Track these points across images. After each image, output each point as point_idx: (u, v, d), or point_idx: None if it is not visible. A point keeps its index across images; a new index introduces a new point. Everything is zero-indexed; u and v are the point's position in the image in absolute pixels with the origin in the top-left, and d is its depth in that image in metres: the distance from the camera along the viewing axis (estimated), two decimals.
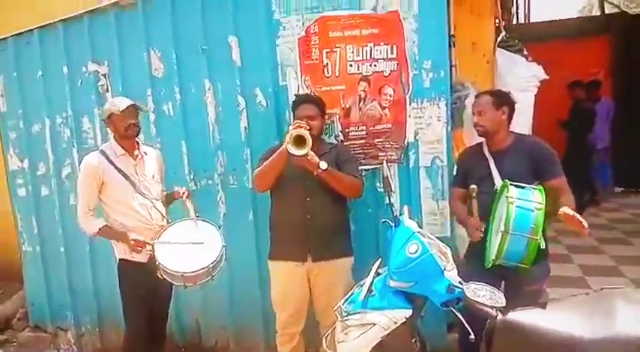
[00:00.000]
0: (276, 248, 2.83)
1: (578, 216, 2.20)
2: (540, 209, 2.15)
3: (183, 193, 2.90)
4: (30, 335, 4.12)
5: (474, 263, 2.55)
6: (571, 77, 6.54)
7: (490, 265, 2.29)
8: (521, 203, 2.17)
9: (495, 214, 2.42)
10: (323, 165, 2.52)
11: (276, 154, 2.59)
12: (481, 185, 2.58)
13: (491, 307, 1.90)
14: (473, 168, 2.66)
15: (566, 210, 2.24)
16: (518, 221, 2.12)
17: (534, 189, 2.28)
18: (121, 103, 2.77)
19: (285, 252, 2.77)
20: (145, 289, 2.80)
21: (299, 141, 2.42)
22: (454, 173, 2.78)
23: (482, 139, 2.71)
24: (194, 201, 2.96)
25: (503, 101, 2.60)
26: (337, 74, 3.01)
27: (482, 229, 2.47)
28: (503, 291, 2.52)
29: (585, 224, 2.18)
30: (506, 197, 2.20)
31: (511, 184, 2.28)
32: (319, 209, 2.68)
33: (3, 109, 3.96)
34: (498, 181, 2.51)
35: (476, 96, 2.77)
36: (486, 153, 2.63)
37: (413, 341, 2.22)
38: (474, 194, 2.48)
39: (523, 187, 2.28)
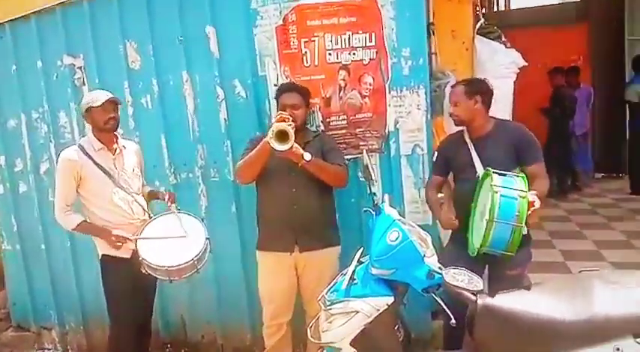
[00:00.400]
0: (263, 239, 2.83)
1: (536, 199, 2.20)
2: (524, 196, 2.16)
3: (168, 199, 2.86)
4: (13, 335, 4.07)
5: (457, 249, 2.56)
6: (551, 64, 6.60)
7: (475, 253, 2.30)
8: (505, 191, 2.17)
9: (478, 201, 2.43)
10: (307, 156, 2.51)
11: (259, 147, 2.58)
12: (463, 172, 2.59)
13: (470, 291, 1.91)
14: (454, 156, 2.67)
15: (531, 195, 2.23)
16: (503, 209, 2.13)
17: (517, 176, 2.29)
18: (100, 97, 2.73)
19: (272, 242, 2.77)
20: (129, 284, 2.76)
21: (282, 135, 2.41)
22: (434, 160, 2.78)
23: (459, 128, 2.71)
24: (176, 194, 2.94)
25: (476, 90, 2.59)
26: (316, 63, 2.99)
27: (455, 219, 2.50)
28: (488, 277, 2.57)
29: (536, 205, 2.19)
30: (491, 185, 2.20)
31: (494, 172, 2.29)
32: (305, 199, 2.68)
33: None
34: (480, 168, 2.52)
35: (452, 87, 2.77)
36: (467, 140, 2.64)
37: (396, 328, 2.24)
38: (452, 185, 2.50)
39: (505, 175, 2.29)
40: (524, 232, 2.18)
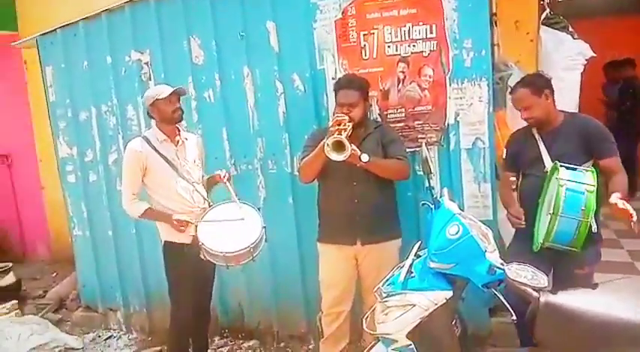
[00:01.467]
0: (324, 232, 2.86)
1: (629, 207, 2.10)
2: (592, 191, 2.09)
3: (224, 176, 2.95)
4: (82, 315, 4.29)
5: (522, 247, 2.50)
6: (621, 55, 6.24)
7: (538, 248, 2.24)
8: (572, 185, 2.11)
9: (545, 197, 2.37)
10: (364, 157, 2.52)
11: (317, 151, 2.60)
12: (531, 168, 2.52)
13: (533, 287, 1.86)
14: (522, 152, 2.59)
15: (617, 200, 2.14)
16: (568, 203, 2.08)
17: (586, 170, 2.22)
18: (165, 90, 2.84)
19: (333, 235, 2.80)
20: (190, 269, 2.87)
21: (338, 146, 2.44)
22: (504, 156, 2.70)
23: (522, 121, 2.63)
24: (234, 185, 3.01)
25: (541, 85, 2.51)
26: (375, 56, 2.99)
27: (523, 217, 2.42)
28: (553, 276, 2.49)
29: (635, 216, 2.09)
30: (557, 179, 2.14)
31: (561, 166, 2.22)
32: (366, 193, 2.69)
33: (52, 99, 4.10)
34: (548, 163, 2.44)
35: (510, 93, 2.67)
36: (535, 134, 2.55)
37: (453, 323, 2.21)
38: (514, 186, 2.43)
39: (574, 169, 2.22)
40: (595, 230, 2.10)
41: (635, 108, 5.88)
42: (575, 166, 2.24)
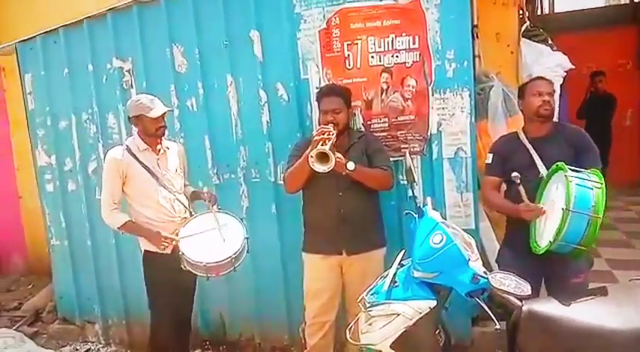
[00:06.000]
0: (310, 242, 2.85)
1: None
2: (600, 188, 2.09)
3: (209, 200, 2.92)
4: (59, 328, 4.20)
5: (510, 256, 2.52)
6: (597, 68, 6.43)
7: (543, 250, 2.22)
8: (580, 181, 2.11)
9: (543, 199, 2.38)
10: (350, 165, 2.53)
11: (302, 162, 2.60)
12: (523, 173, 2.51)
13: (517, 296, 1.87)
14: (511, 157, 2.60)
15: None
16: (579, 198, 2.07)
17: (589, 172, 2.22)
18: (155, 110, 2.78)
19: (319, 245, 2.79)
20: (170, 279, 2.83)
21: (322, 157, 2.44)
22: (488, 161, 2.69)
23: (504, 130, 2.66)
24: (217, 194, 3.00)
25: (553, 87, 2.59)
26: (359, 66, 3.00)
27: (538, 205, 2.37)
28: (547, 286, 2.50)
29: None
30: (565, 176, 2.14)
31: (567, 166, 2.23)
32: (351, 202, 2.69)
33: (31, 107, 4.04)
34: (542, 168, 2.46)
35: (533, 79, 2.68)
36: (525, 140, 2.57)
37: (437, 332, 2.20)
38: (519, 180, 2.40)
39: (577, 170, 2.23)
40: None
41: (605, 116, 6.07)
42: (577, 169, 2.25)
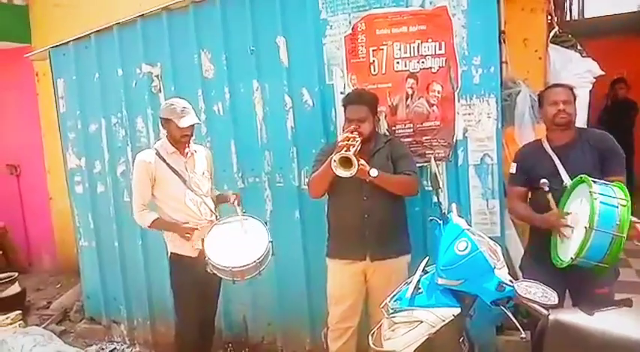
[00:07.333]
0: (334, 247, 2.85)
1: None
2: (625, 205, 2.05)
3: (234, 201, 2.95)
4: (86, 327, 4.28)
5: (535, 265, 2.48)
6: (629, 75, 6.31)
7: (565, 264, 2.19)
8: (605, 199, 2.07)
9: (566, 210, 2.33)
10: (373, 172, 2.52)
11: (325, 166, 2.59)
12: (548, 182, 2.49)
13: (543, 305, 1.84)
14: (535, 166, 2.56)
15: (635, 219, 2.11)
16: (603, 217, 2.03)
17: (613, 185, 2.17)
18: (185, 119, 2.82)
19: (343, 251, 2.78)
20: (195, 282, 2.87)
21: (345, 162, 2.44)
22: (512, 171, 2.66)
23: (531, 137, 2.63)
24: (243, 197, 3.03)
25: (574, 93, 2.55)
26: (384, 72, 3.00)
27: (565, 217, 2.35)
28: (572, 297, 2.45)
29: None
30: (590, 192, 2.10)
31: (592, 179, 2.19)
32: (376, 208, 2.68)
33: (63, 110, 4.14)
34: (566, 178, 2.42)
35: (551, 86, 2.66)
36: (548, 149, 2.54)
37: (461, 340, 2.18)
38: (547, 188, 2.37)
39: (601, 182, 2.19)
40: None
41: (627, 122, 5.95)
42: (602, 180, 2.21)
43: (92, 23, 3.95)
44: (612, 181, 2.28)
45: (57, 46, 4.07)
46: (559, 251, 2.29)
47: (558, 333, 1.83)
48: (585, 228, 2.04)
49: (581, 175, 2.26)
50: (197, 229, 2.80)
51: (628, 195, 2.10)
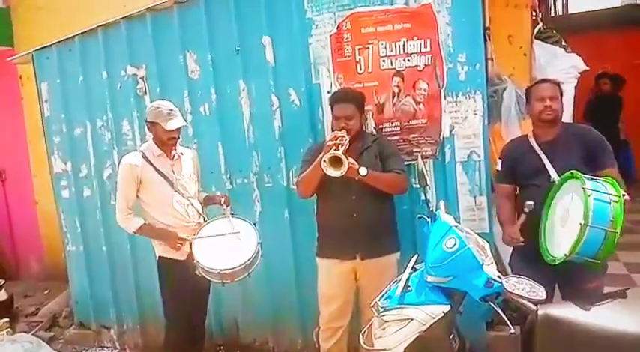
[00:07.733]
0: (323, 246, 2.85)
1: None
2: (617, 201, 2.07)
3: (222, 201, 2.94)
4: (75, 332, 4.23)
5: (524, 262, 2.50)
6: (613, 70, 6.37)
7: (558, 261, 2.20)
8: (598, 195, 2.09)
9: (553, 206, 2.35)
10: (363, 171, 2.52)
11: (314, 166, 2.60)
12: (533, 178, 2.50)
13: (531, 300, 1.85)
14: (521, 162, 2.58)
15: None
16: (597, 213, 2.05)
17: (604, 181, 2.19)
18: (172, 122, 2.80)
19: (332, 250, 2.79)
20: (185, 285, 2.85)
21: (335, 161, 2.44)
22: (498, 168, 2.68)
23: (518, 133, 2.64)
24: (230, 200, 3.00)
25: (560, 89, 2.57)
26: (370, 70, 3.00)
27: (520, 237, 2.45)
28: (560, 291, 2.47)
29: None
30: (583, 189, 2.11)
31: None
32: (365, 207, 2.68)
33: (47, 114, 4.08)
34: (554, 174, 2.43)
35: (538, 82, 2.67)
36: (534, 145, 2.55)
37: (451, 336, 2.19)
38: (527, 210, 2.38)
39: (592, 178, 2.20)
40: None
41: (612, 117, 6.02)
42: (592, 176, 2.22)
43: (76, 26, 3.89)
44: (606, 174, 2.31)
45: (40, 49, 4.01)
46: (548, 247, 2.30)
47: (548, 327, 1.86)
48: (580, 224, 2.05)
49: (572, 171, 2.27)
50: (188, 239, 2.78)
51: (619, 190, 2.11)
